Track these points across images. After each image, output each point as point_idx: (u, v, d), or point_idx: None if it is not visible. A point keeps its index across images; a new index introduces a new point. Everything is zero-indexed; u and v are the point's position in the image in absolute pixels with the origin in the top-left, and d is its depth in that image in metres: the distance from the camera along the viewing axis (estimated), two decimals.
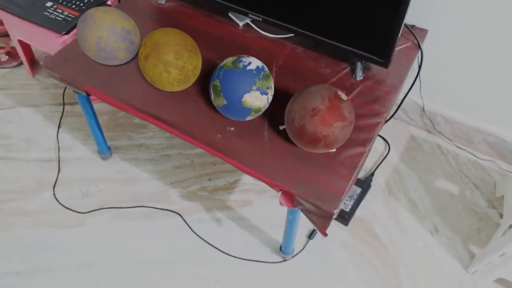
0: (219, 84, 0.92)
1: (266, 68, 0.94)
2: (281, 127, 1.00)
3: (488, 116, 1.34)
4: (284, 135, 0.98)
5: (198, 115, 1.02)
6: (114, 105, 1.06)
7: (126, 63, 1.12)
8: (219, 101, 0.93)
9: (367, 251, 1.23)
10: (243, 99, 0.91)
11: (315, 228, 0.94)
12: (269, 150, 0.96)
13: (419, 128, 1.51)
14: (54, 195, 1.35)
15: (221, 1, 1.19)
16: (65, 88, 1.62)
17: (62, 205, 1.32)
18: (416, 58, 1.18)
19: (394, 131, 1.51)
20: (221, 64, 0.93)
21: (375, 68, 1.13)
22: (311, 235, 1.25)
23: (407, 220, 1.29)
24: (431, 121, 1.45)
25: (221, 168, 1.41)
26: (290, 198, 0.92)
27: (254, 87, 0.91)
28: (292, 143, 0.97)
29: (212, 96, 0.95)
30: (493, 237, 1.19)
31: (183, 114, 1.02)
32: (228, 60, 0.93)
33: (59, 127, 1.52)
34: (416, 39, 1.17)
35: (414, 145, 1.47)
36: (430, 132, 1.50)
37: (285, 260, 1.21)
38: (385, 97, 1.06)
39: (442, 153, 1.45)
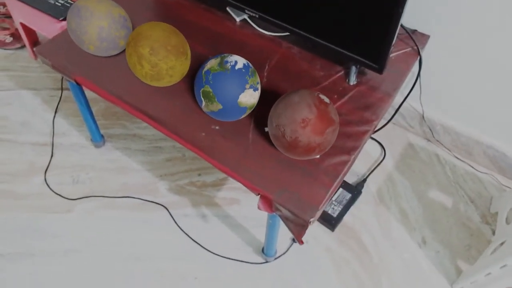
0: (211, 90, 0.88)
1: (250, 64, 0.93)
2: (266, 129, 0.98)
3: (490, 129, 1.29)
4: (268, 138, 0.96)
5: (185, 111, 1.01)
6: (102, 96, 1.06)
7: (118, 54, 1.11)
8: (213, 107, 0.91)
9: (351, 259, 1.21)
10: (239, 100, 0.90)
11: (292, 234, 0.92)
12: (252, 152, 0.94)
13: (418, 136, 1.47)
14: (45, 180, 1.36)
15: None
16: None
17: (52, 191, 1.33)
18: (416, 64, 1.14)
19: (391, 137, 1.47)
20: (207, 69, 0.89)
21: (370, 73, 1.09)
22: (295, 239, 1.24)
23: (396, 230, 1.26)
24: (430, 129, 1.41)
25: None
26: (268, 203, 0.91)
27: (247, 86, 0.90)
28: (276, 148, 0.95)
29: (204, 103, 0.91)
30: (483, 254, 1.16)
31: (170, 110, 1.01)
32: (213, 63, 0.89)
33: (55, 112, 1.53)
34: (416, 45, 1.13)
35: (410, 152, 1.44)
36: (428, 140, 1.45)
37: (267, 262, 1.20)
38: (377, 105, 1.03)
39: (439, 163, 1.41)
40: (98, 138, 1.41)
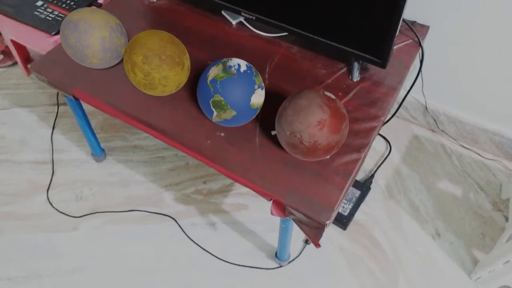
0: (222, 98, 0.85)
1: (250, 64, 0.91)
2: (273, 132, 0.96)
3: (494, 115, 1.28)
4: (275, 141, 0.94)
5: (188, 120, 0.99)
6: (102, 110, 1.03)
7: (115, 65, 1.08)
8: (227, 115, 0.88)
9: (365, 257, 1.19)
10: (251, 102, 0.88)
11: (308, 238, 0.90)
12: (260, 157, 0.92)
13: (422, 127, 1.46)
14: (48, 198, 1.33)
15: None
16: None
17: (56, 209, 1.31)
18: (418, 56, 1.13)
19: (396, 130, 1.46)
20: (212, 78, 0.86)
21: (373, 68, 1.08)
22: (307, 241, 1.22)
23: (407, 224, 1.25)
24: (434, 120, 1.39)
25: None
26: (281, 208, 0.89)
27: (256, 86, 0.88)
28: (284, 149, 0.93)
29: (215, 113, 0.88)
30: (498, 242, 1.15)
31: (172, 119, 0.99)
32: (217, 71, 0.86)
33: (53, 128, 1.50)
34: (417, 37, 1.12)
35: (416, 144, 1.42)
36: (433, 131, 1.44)
37: (281, 266, 1.18)
38: (383, 100, 1.01)
39: (445, 153, 1.40)
40: (99, 152, 1.38)
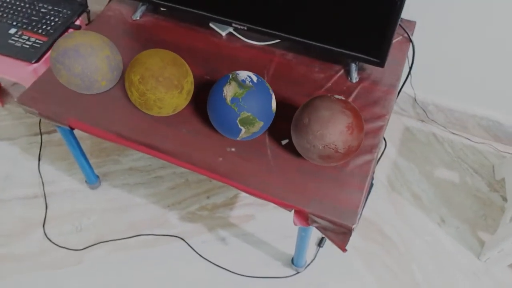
0: (249, 114, 0.84)
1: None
2: (284, 142, 0.96)
3: (481, 100, 1.33)
4: (287, 150, 0.94)
5: (195, 138, 0.96)
6: (101, 137, 0.99)
7: (108, 89, 1.04)
8: (255, 128, 0.86)
9: (378, 252, 1.21)
10: (272, 108, 0.88)
11: (333, 244, 0.90)
12: (275, 168, 0.92)
13: (412, 119, 1.50)
14: (45, 234, 1.26)
15: (201, 12, 1.13)
16: None
17: (56, 244, 1.24)
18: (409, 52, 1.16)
19: (388, 124, 1.49)
20: (230, 97, 0.83)
21: (369, 68, 1.09)
22: (320, 243, 1.22)
23: (413, 215, 1.28)
24: (423, 110, 1.44)
25: (218, 183, 1.36)
26: (303, 217, 0.88)
27: (270, 91, 0.89)
28: (297, 157, 0.93)
29: (243, 130, 0.86)
30: (501, 223, 1.20)
31: (178, 139, 0.96)
32: (233, 89, 0.84)
33: (39, 160, 1.43)
34: (406, 33, 1.14)
35: (409, 136, 1.46)
36: (423, 121, 1.49)
37: (298, 273, 1.18)
38: (385, 98, 1.03)
39: (437, 141, 1.44)
40: (94, 179, 1.33)
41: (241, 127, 0.85)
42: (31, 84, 1.07)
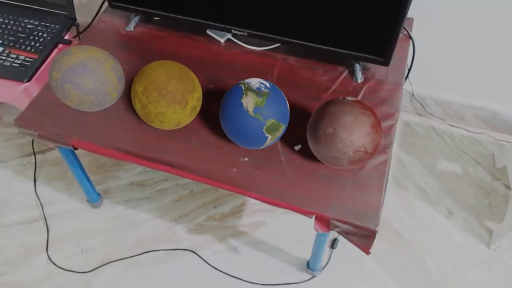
0: (274, 120, 0.83)
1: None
2: (296, 148, 0.95)
3: (478, 92, 1.36)
4: (301, 155, 0.93)
5: (206, 150, 0.94)
6: (108, 155, 0.96)
7: (112, 105, 1.01)
8: (279, 132, 0.86)
9: (391, 249, 1.22)
10: (288, 109, 0.88)
11: (357, 247, 0.90)
12: (290, 175, 0.90)
13: (410, 113, 1.51)
14: (50, 258, 1.22)
15: (199, 20, 1.11)
16: None
17: (61, 268, 1.20)
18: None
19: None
20: (252, 108, 0.81)
21: (373, 67, 1.09)
22: (333, 245, 1.22)
23: (421, 209, 1.29)
24: (421, 104, 1.45)
25: (223, 192, 1.34)
26: (325, 223, 0.88)
27: (283, 93, 0.89)
28: (311, 162, 0.92)
29: (269, 138, 0.85)
30: (507, 211, 1.22)
31: (189, 153, 0.94)
32: (251, 99, 0.82)
33: (35, 181, 1.37)
34: (406, 30, 1.15)
35: (408, 131, 1.47)
36: (421, 115, 1.50)
37: (314, 277, 1.17)
38: (391, 96, 1.03)
39: (437, 134, 1.46)
40: (95, 198, 1.29)
41: (268, 135, 0.84)
42: (28, 105, 1.02)
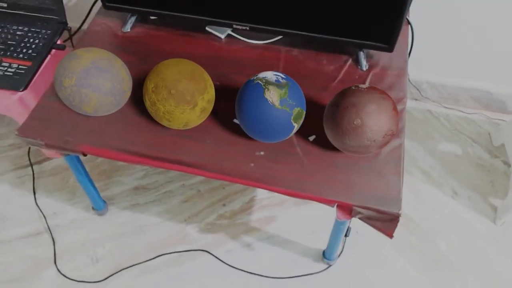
0: (298, 108, 0.84)
1: None
2: (311, 138, 0.95)
3: (471, 74, 1.39)
4: (317, 145, 0.93)
5: (221, 147, 0.93)
6: (121, 159, 0.93)
7: (122, 107, 0.98)
8: (301, 119, 0.87)
9: (403, 233, 1.24)
10: (303, 95, 0.90)
11: (380, 232, 0.91)
12: (308, 166, 0.91)
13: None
14: (59, 270, 1.18)
15: (199, 17, 1.09)
16: (29, 147, 1.41)
17: (73, 279, 1.17)
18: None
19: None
20: (278, 101, 0.81)
21: (376, 53, 1.11)
22: (346, 233, 1.23)
23: (427, 192, 1.32)
24: (417, 89, 1.48)
25: (231, 189, 1.33)
26: (347, 210, 0.88)
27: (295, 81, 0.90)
28: (329, 151, 0.92)
29: (295, 126, 0.86)
30: (510, 187, 1.25)
31: (204, 151, 0.92)
32: (275, 93, 0.81)
33: (34, 193, 1.33)
34: None
35: (407, 116, 1.50)
36: (416, 99, 1.53)
37: (330, 266, 1.18)
38: (398, 81, 1.05)
39: (434, 117, 1.49)
40: (101, 205, 1.26)
41: (294, 124, 0.85)
42: (30, 113, 0.99)
